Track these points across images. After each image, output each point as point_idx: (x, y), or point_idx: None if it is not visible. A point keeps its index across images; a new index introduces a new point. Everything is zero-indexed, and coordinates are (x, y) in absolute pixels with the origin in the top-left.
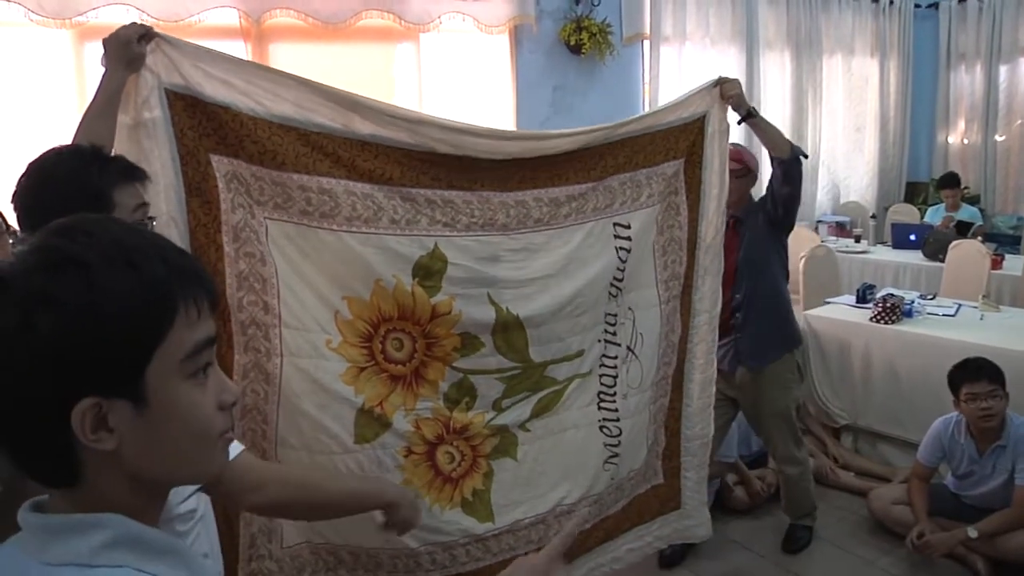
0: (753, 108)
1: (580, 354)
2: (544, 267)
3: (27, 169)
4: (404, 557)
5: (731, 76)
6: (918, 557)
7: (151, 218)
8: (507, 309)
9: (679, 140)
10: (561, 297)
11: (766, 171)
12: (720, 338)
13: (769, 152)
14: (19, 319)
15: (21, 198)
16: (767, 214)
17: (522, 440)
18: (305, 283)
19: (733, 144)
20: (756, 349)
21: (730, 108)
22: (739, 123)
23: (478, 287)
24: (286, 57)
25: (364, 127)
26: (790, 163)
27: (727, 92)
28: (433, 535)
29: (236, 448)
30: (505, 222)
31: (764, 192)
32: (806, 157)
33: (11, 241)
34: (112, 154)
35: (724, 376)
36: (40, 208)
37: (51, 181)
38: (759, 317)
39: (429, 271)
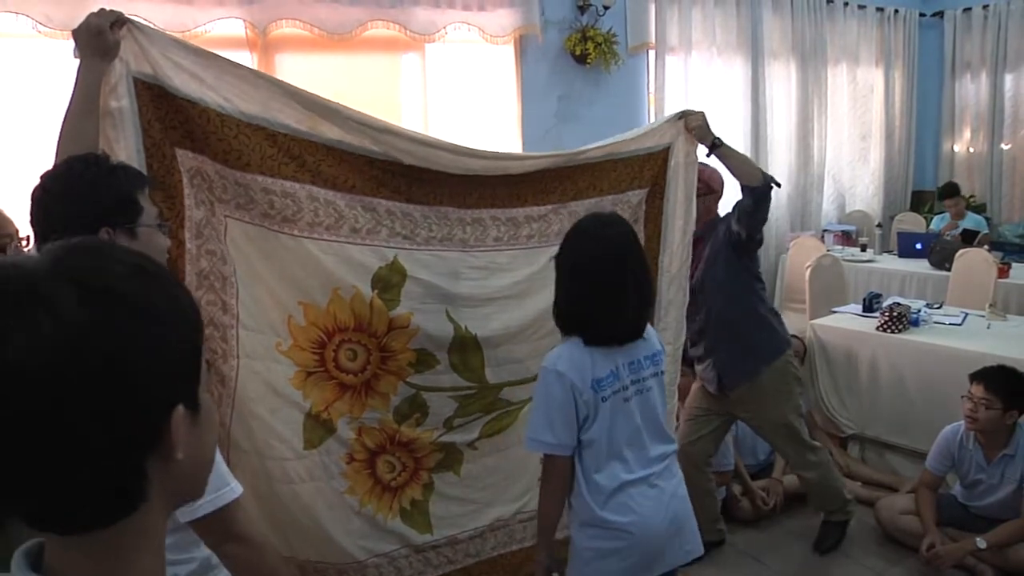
0: (718, 139)
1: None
2: (505, 288)
3: (48, 179)
4: (352, 572)
5: (733, 88)
6: (926, 567)
7: (167, 221)
8: (465, 328)
9: (644, 169)
10: (522, 319)
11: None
12: (702, 359)
13: (739, 181)
14: (129, 326)
15: (45, 206)
16: (730, 235)
17: (467, 458)
18: (262, 284)
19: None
20: (733, 370)
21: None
22: (707, 155)
23: (437, 303)
24: (292, 68)
25: (331, 132)
26: (761, 192)
27: (690, 124)
28: (378, 544)
29: (238, 490)
30: (464, 238)
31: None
32: (778, 186)
33: (27, 248)
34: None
35: (710, 396)
36: (69, 216)
37: (81, 189)
38: (730, 339)
39: (388, 283)
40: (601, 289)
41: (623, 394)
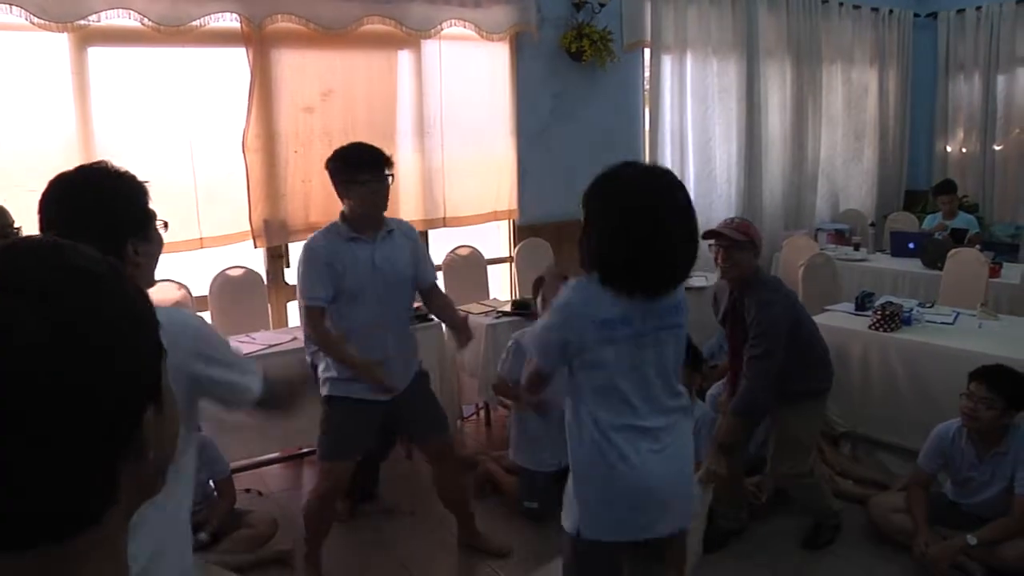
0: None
1: None
2: None
3: (68, 188)
4: None
5: (728, 87)
6: (918, 565)
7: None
8: None
9: None
10: None
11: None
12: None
13: None
14: (105, 327)
15: (68, 216)
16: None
17: None
18: None
19: (740, 218)
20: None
21: None
22: None
23: None
24: (287, 63)
25: None
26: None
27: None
28: None
29: None
30: None
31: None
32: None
33: None
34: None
35: None
36: (98, 227)
37: (111, 202)
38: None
39: None
40: (637, 241)
41: (636, 341)
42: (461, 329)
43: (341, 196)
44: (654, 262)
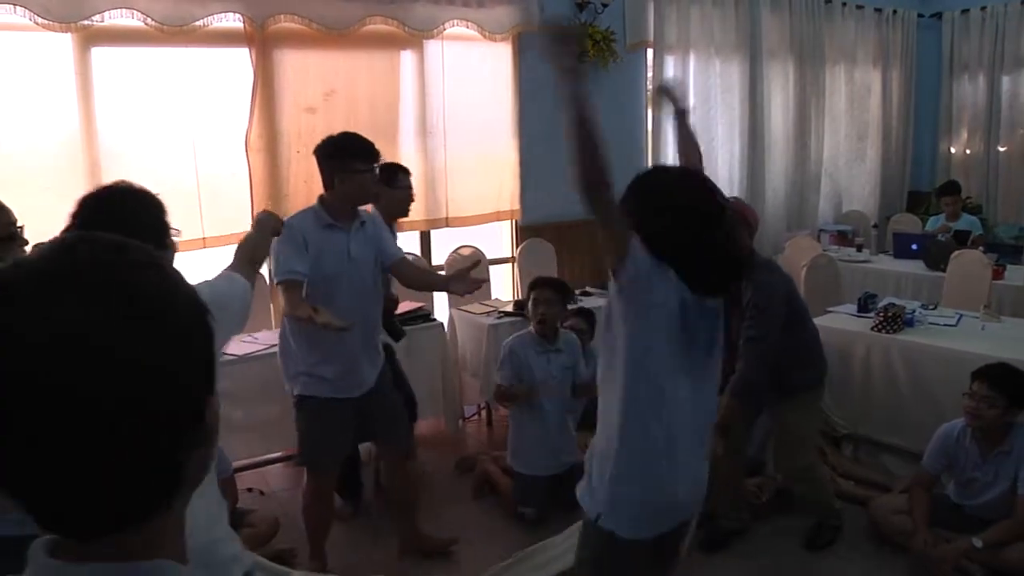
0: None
1: None
2: None
3: (100, 201)
4: None
5: (731, 87)
6: (918, 566)
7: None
8: None
9: None
10: None
11: None
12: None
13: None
14: (183, 317)
15: (97, 226)
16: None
17: None
18: None
19: (735, 198)
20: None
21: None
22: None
23: None
24: (290, 63)
25: None
26: None
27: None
28: None
29: None
30: None
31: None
32: None
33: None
34: None
35: None
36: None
37: (143, 217)
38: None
39: None
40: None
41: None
42: (455, 278)
43: (328, 183)
44: (716, 259)
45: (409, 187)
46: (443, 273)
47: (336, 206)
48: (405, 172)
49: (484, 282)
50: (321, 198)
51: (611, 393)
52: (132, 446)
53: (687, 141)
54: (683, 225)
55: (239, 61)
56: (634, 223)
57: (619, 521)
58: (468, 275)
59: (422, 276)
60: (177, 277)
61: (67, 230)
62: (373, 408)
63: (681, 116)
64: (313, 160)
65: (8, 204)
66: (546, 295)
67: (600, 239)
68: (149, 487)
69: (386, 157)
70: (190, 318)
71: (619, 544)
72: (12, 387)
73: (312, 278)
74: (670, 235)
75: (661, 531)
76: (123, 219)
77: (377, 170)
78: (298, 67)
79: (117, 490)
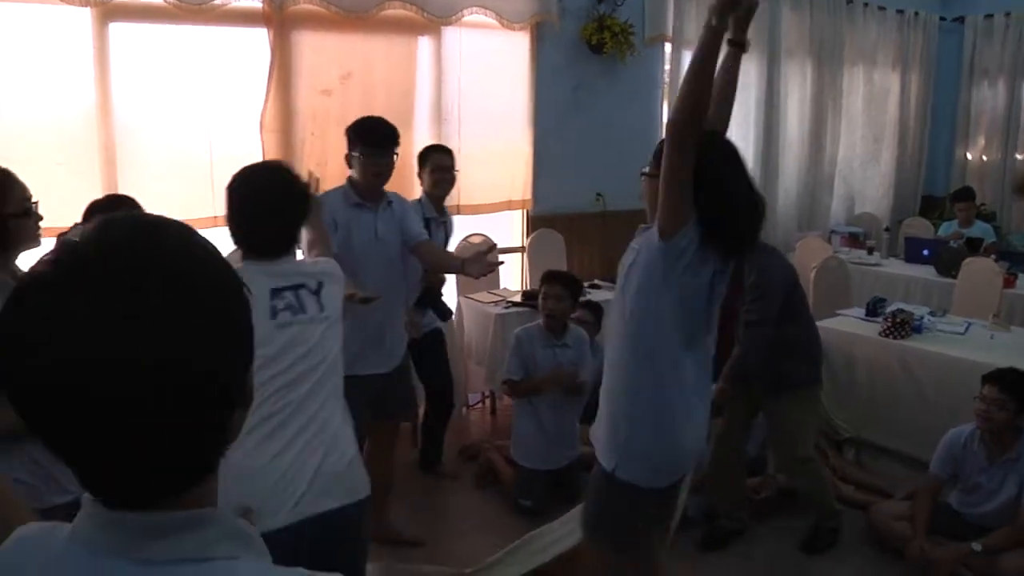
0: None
1: None
2: None
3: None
4: None
5: (748, 85)
6: (918, 572)
7: None
8: None
9: None
10: None
11: None
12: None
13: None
14: (232, 288)
15: None
16: None
17: None
18: None
19: None
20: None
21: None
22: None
23: None
24: (307, 45)
25: None
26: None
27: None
28: None
29: None
30: None
31: None
32: None
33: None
34: None
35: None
36: None
37: None
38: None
39: None
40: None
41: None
42: (471, 260)
43: (348, 164)
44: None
45: (441, 168)
46: (453, 255)
47: (361, 185)
48: (439, 151)
49: (500, 264)
50: (349, 178)
51: (624, 347)
52: (189, 413)
53: (729, 86)
54: (737, 173)
55: (257, 41)
56: (697, 169)
57: (636, 472)
58: (484, 258)
59: (441, 258)
60: (213, 250)
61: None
62: (394, 387)
63: (738, 50)
64: (327, 142)
65: (26, 178)
66: (556, 291)
67: (662, 197)
68: (203, 448)
69: (400, 142)
70: (230, 292)
71: (638, 494)
72: (84, 370)
73: (340, 255)
74: (727, 183)
75: (672, 480)
76: None
77: (394, 157)
78: (315, 49)
79: (176, 455)
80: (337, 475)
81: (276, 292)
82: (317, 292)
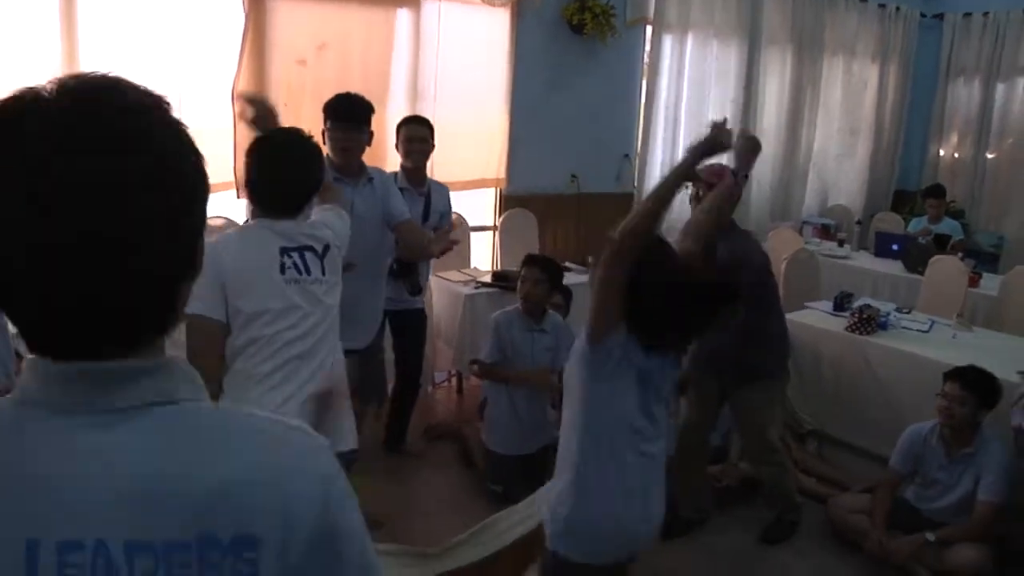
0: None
1: None
2: None
3: None
4: None
5: (727, 71)
6: (874, 565)
7: None
8: None
9: None
10: None
11: None
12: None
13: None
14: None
15: None
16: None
17: None
18: None
19: (718, 164)
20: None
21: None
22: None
23: None
24: (284, 15)
25: None
26: None
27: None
28: None
29: None
30: None
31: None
32: None
33: None
34: None
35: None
36: None
37: None
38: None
39: None
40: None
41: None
42: (434, 239)
43: (322, 139)
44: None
45: (411, 139)
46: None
47: (334, 161)
48: (413, 122)
49: (456, 243)
50: (327, 154)
51: (571, 433)
52: (146, 270)
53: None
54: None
55: (230, 6)
56: (635, 276)
57: (571, 546)
58: (446, 236)
59: (418, 240)
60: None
61: None
62: (368, 369)
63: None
64: (300, 113)
65: None
66: (534, 274)
67: (594, 302)
68: (157, 309)
69: (372, 120)
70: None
71: (570, 568)
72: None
73: None
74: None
75: (617, 559)
76: None
77: (364, 134)
78: (291, 17)
79: (138, 308)
80: (337, 424)
81: (285, 251)
82: (322, 256)
